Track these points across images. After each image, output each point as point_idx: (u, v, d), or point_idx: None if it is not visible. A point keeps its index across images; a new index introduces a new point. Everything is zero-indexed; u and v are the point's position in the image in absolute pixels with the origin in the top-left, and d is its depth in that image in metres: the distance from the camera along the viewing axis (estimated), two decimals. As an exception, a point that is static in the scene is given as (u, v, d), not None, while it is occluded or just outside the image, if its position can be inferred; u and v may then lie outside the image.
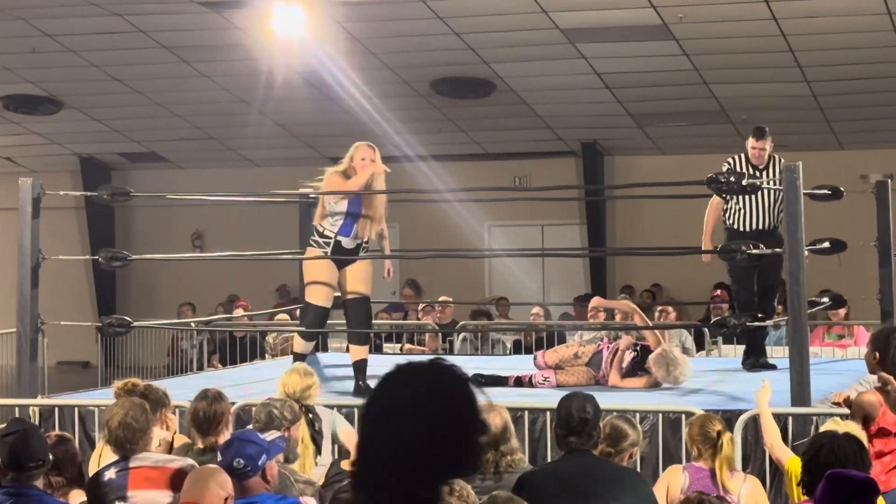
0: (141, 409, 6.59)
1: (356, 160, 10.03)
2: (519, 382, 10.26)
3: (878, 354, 7.85)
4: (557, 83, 18.52)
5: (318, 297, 10.19)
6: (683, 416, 8.02)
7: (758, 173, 10.72)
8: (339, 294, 10.33)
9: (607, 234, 21.83)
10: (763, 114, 19.00)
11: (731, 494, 6.96)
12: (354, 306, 10.27)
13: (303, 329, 10.45)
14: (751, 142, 10.94)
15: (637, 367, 10.31)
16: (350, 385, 10.19)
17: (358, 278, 10.22)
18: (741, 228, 10.90)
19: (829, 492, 5.03)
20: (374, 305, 17.65)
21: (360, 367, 10.05)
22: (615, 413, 7.38)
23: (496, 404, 7.00)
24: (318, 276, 10.17)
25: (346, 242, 10.11)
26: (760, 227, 10.85)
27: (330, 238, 10.08)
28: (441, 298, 15.94)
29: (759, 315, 10.23)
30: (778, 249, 9.59)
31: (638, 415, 8.33)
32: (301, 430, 7.47)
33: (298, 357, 10.20)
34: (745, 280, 11.08)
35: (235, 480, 5.86)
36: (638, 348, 10.36)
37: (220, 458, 5.99)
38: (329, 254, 10.07)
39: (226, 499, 5.52)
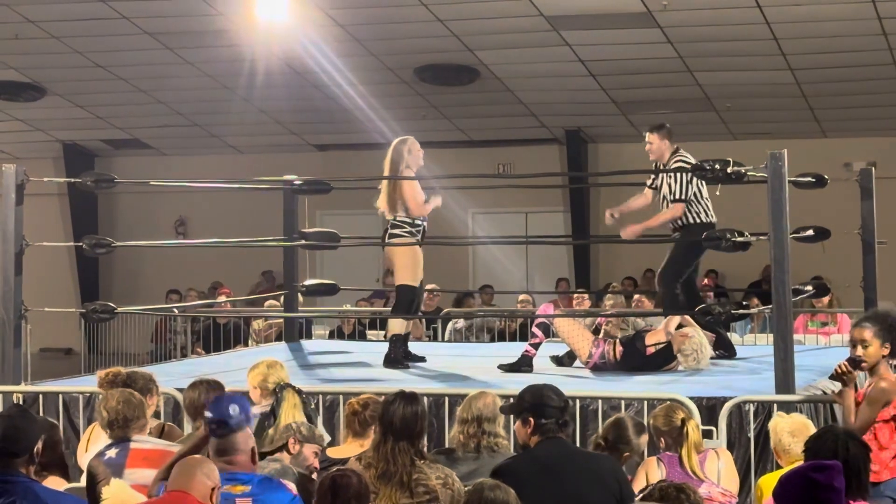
0: (135, 395, 6.85)
1: (414, 152, 10.73)
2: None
3: (889, 346, 7.23)
4: (541, 70, 18.51)
5: (415, 279, 10.83)
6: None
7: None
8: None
9: (591, 221, 21.81)
10: (747, 101, 19.04)
11: (709, 477, 6.98)
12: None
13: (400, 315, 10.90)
14: None
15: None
16: (332, 373, 10.35)
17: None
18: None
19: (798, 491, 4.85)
20: (357, 293, 17.72)
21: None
22: (626, 415, 7.42)
23: (487, 391, 7.13)
24: (415, 260, 10.81)
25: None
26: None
27: (420, 225, 10.76)
28: (429, 286, 15.91)
29: (743, 303, 10.26)
30: (763, 236, 9.64)
31: (623, 402, 8.34)
32: (287, 412, 7.40)
33: (398, 338, 10.73)
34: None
35: (222, 440, 5.76)
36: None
37: (209, 414, 5.79)
38: (420, 240, 10.78)
39: (213, 489, 5.49)
